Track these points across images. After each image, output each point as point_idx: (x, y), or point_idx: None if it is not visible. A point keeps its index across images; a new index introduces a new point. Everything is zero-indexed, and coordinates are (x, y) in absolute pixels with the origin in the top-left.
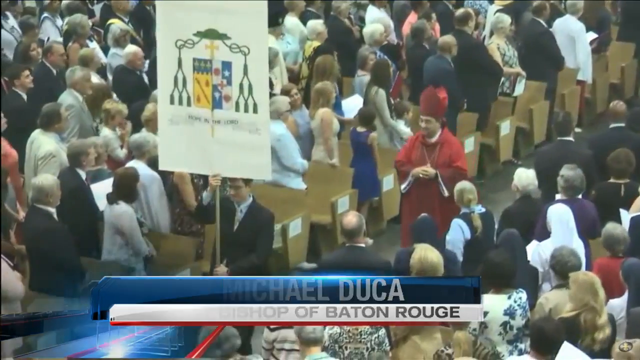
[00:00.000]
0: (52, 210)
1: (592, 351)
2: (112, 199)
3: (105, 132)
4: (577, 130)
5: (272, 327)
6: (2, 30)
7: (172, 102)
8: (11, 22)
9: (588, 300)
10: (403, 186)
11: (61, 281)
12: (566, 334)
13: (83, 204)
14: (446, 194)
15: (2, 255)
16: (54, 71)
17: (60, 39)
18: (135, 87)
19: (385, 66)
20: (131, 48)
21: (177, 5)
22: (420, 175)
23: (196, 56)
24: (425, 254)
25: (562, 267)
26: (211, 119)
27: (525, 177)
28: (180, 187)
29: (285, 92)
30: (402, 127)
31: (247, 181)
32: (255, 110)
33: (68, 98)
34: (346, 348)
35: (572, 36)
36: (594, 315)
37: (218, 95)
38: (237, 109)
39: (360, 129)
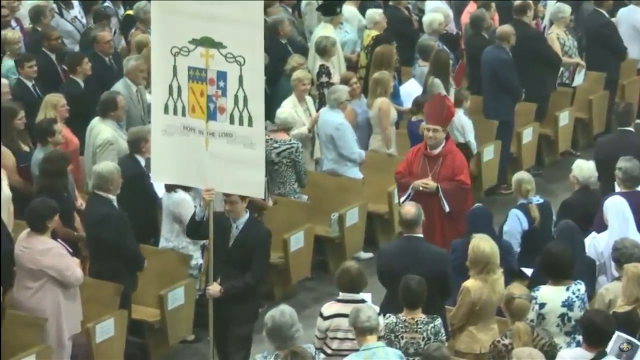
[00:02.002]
0: (113, 197)
1: None
2: (170, 186)
3: None
4: (638, 121)
5: (325, 315)
6: (63, 20)
7: (166, 111)
8: (74, 12)
9: (637, 294)
10: (402, 199)
11: (120, 268)
12: (623, 329)
13: (142, 191)
14: (447, 209)
15: (60, 241)
16: (106, 59)
17: (113, 28)
18: None
19: (444, 57)
20: None
21: (173, 11)
22: (421, 189)
23: (191, 65)
24: (477, 243)
25: (626, 258)
26: (205, 131)
27: (586, 168)
28: None
29: (344, 81)
30: (461, 115)
31: (244, 196)
32: (250, 124)
33: (120, 86)
34: (402, 337)
35: (637, 26)
36: None
37: (213, 107)
38: (231, 121)
39: (414, 119)
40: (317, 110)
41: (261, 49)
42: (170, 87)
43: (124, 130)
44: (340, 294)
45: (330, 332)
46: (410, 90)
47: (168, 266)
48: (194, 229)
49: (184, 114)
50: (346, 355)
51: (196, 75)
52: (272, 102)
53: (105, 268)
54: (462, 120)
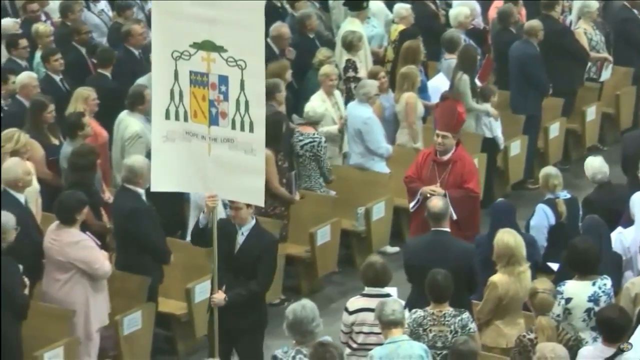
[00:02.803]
0: (141, 191)
1: None
2: None
3: None
4: None
5: (350, 310)
6: (91, 14)
7: (167, 117)
8: (100, 5)
9: None
10: (411, 205)
11: (147, 261)
12: None
13: None
14: (454, 217)
15: (89, 234)
16: (136, 53)
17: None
18: None
19: (472, 52)
20: None
21: (174, 14)
22: (428, 195)
23: (192, 69)
24: (502, 237)
25: None
26: (208, 136)
27: (590, 166)
28: (265, 169)
29: (372, 75)
30: (490, 109)
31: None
32: (251, 130)
33: (145, 80)
34: (430, 331)
35: None
36: None
37: (215, 111)
38: (233, 126)
39: None
40: (345, 104)
41: (262, 53)
42: (172, 91)
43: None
44: (366, 288)
45: (355, 326)
46: (438, 84)
47: (195, 260)
48: (198, 235)
49: (185, 119)
50: (371, 350)
51: (198, 79)
52: (300, 96)
53: (132, 261)
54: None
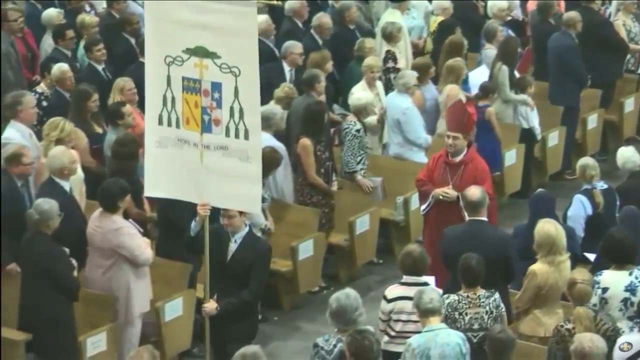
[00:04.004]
0: None
1: None
2: None
3: None
4: None
5: (388, 298)
6: (134, 3)
7: (160, 122)
8: None
9: None
10: (422, 207)
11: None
12: None
13: None
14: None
15: (131, 221)
16: None
17: None
18: (264, 57)
19: (513, 44)
20: (260, 18)
21: (166, 19)
22: (441, 197)
23: (185, 75)
24: (543, 226)
25: None
26: (200, 144)
27: (621, 155)
28: (303, 159)
29: (423, 67)
30: (528, 100)
31: None
32: (246, 137)
33: None
34: (466, 314)
35: None
36: None
37: (207, 119)
38: (227, 134)
39: (481, 104)
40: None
41: (256, 60)
42: (164, 97)
43: None
44: (404, 276)
45: (393, 314)
46: (482, 76)
47: None
48: (190, 243)
49: (178, 126)
50: (409, 337)
51: (190, 85)
52: (342, 87)
53: (173, 248)
54: (527, 107)
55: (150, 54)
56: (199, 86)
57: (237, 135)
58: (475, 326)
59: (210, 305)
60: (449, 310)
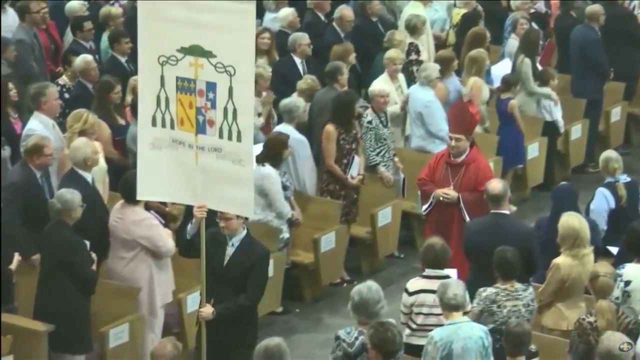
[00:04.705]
0: None
1: None
2: (259, 160)
3: None
4: None
5: (410, 291)
6: None
7: (154, 123)
8: None
9: None
10: (424, 207)
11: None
12: None
13: None
14: (467, 220)
15: (153, 213)
16: None
17: None
18: None
19: (534, 36)
20: (286, 11)
21: (160, 17)
22: (441, 199)
23: (179, 75)
24: (567, 219)
25: None
26: (195, 145)
27: None
28: (324, 145)
29: (446, 60)
30: (551, 92)
31: None
32: (239, 139)
33: None
34: (504, 306)
35: None
36: None
37: (202, 119)
38: (221, 135)
39: (503, 96)
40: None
41: (252, 59)
42: (158, 98)
43: None
44: (425, 269)
45: (415, 307)
46: (505, 69)
47: (257, 239)
48: (186, 247)
49: (172, 127)
50: (431, 330)
51: (185, 86)
52: (368, 80)
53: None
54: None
55: (143, 54)
56: (193, 86)
57: (230, 137)
58: (513, 319)
59: (207, 310)
60: (487, 302)
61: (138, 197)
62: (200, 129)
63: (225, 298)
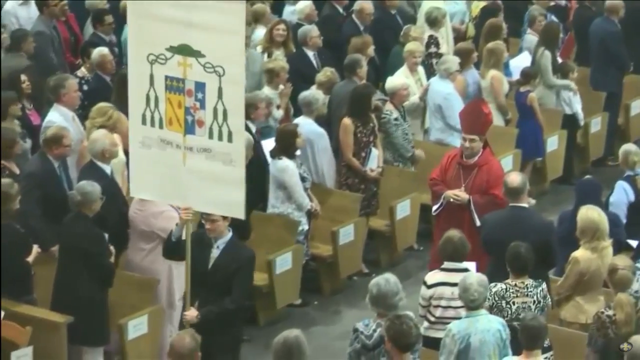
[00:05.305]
0: None
1: None
2: (274, 153)
3: (266, 91)
4: None
5: (429, 284)
6: None
7: (144, 122)
8: None
9: None
10: (434, 208)
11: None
12: None
13: (253, 157)
14: (478, 223)
15: (172, 205)
16: None
17: None
18: None
19: (554, 28)
20: (304, 3)
21: (149, 15)
22: (451, 200)
23: (168, 74)
24: (586, 212)
25: None
26: (183, 145)
27: None
28: (341, 138)
29: (465, 52)
30: (571, 85)
31: None
32: (230, 139)
33: None
34: (514, 303)
35: None
36: None
37: (191, 119)
38: (210, 136)
39: (522, 89)
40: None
41: (242, 60)
42: (147, 96)
43: None
44: (444, 262)
45: (433, 300)
46: (524, 62)
47: (276, 232)
48: (171, 249)
49: (161, 126)
50: (449, 323)
51: (173, 85)
52: (385, 72)
53: None
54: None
55: (132, 52)
56: (182, 86)
57: (220, 138)
58: (522, 316)
59: (191, 314)
60: (496, 298)
61: (131, 194)
62: (189, 129)
63: (210, 301)
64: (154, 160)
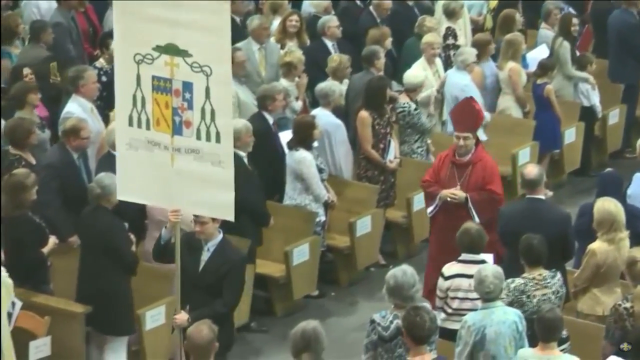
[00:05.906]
0: (243, 154)
1: None
2: (291, 145)
3: (284, 83)
4: None
5: (446, 275)
6: None
7: (130, 123)
8: None
9: None
10: (429, 210)
11: (246, 224)
12: None
13: (270, 148)
14: (477, 220)
15: None
16: (237, 19)
17: None
18: None
19: (570, 20)
20: None
21: (135, 14)
22: (448, 199)
23: (155, 74)
24: (602, 204)
25: None
26: (171, 146)
27: None
28: (359, 131)
29: (483, 43)
30: (589, 77)
31: None
32: (218, 140)
33: (242, 45)
34: (534, 296)
35: None
36: None
37: (178, 120)
38: (198, 136)
39: (539, 81)
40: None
41: (229, 59)
42: (134, 97)
43: (245, 86)
44: (461, 254)
45: (450, 291)
46: (541, 54)
47: (293, 223)
48: (160, 252)
49: (148, 127)
50: (466, 315)
51: (160, 85)
52: (400, 64)
53: (232, 224)
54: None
55: (119, 52)
56: (169, 86)
57: (208, 139)
58: (546, 305)
59: (182, 317)
60: (516, 293)
61: (118, 197)
62: (177, 130)
63: (200, 304)
64: (141, 162)
